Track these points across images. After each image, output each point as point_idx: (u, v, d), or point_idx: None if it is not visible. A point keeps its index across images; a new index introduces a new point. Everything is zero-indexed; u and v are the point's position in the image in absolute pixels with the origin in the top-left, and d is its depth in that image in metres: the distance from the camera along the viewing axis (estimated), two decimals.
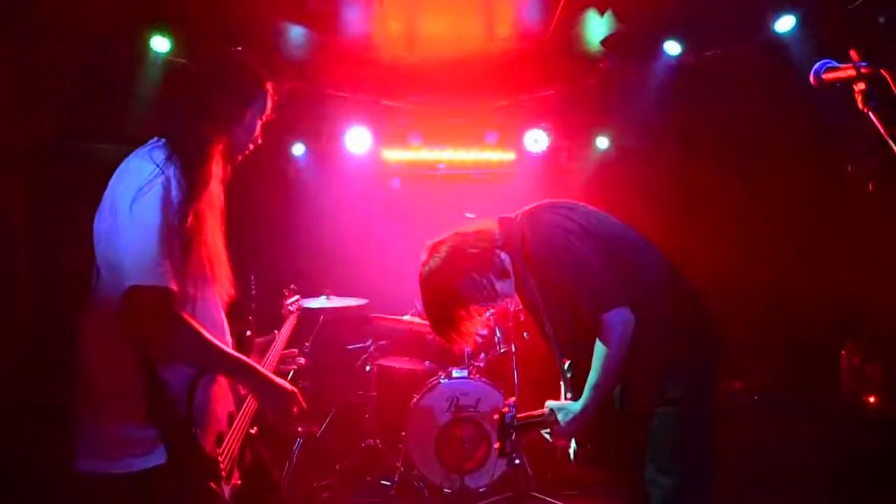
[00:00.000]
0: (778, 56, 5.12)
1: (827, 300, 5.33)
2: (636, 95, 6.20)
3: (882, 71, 1.66)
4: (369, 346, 5.82)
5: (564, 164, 7.67)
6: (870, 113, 1.67)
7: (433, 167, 7.61)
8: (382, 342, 6.04)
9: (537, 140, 7.23)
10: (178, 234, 2.13)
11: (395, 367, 5.80)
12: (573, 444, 2.80)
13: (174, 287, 2.05)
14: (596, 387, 2.56)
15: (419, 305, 5.64)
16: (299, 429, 5.67)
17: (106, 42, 5.01)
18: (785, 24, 5.09)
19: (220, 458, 2.26)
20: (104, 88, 4.98)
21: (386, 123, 7.24)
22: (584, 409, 2.59)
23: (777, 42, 5.16)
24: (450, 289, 2.80)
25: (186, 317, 2.11)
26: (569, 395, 2.79)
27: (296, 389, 2.42)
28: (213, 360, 2.21)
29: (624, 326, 2.50)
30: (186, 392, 2.17)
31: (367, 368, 5.77)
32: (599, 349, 2.53)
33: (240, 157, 2.50)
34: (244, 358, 2.30)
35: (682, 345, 2.59)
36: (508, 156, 7.53)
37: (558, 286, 2.63)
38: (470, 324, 2.86)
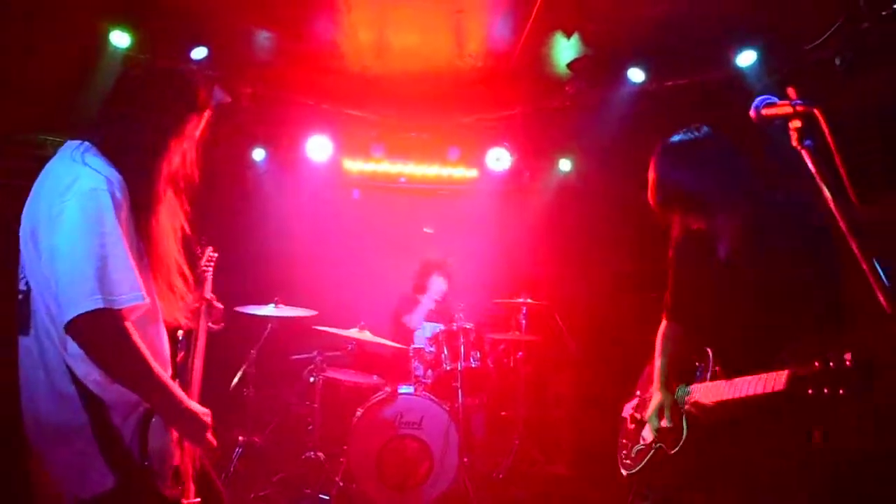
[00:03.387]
0: (738, 89, 5.18)
1: None
2: (599, 119, 6.23)
3: (815, 111, 1.65)
4: (315, 357, 5.72)
5: (526, 185, 7.67)
6: (802, 151, 1.66)
7: (394, 180, 7.58)
8: (329, 354, 5.95)
9: (499, 159, 7.23)
10: (128, 239, 2.08)
11: (340, 380, 5.72)
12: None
13: (118, 302, 1.98)
14: None
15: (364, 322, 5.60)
16: (240, 438, 5.57)
17: (66, 34, 4.90)
18: (746, 58, 5.16)
19: (181, 495, 2.27)
20: (56, 79, 4.86)
21: (348, 133, 7.19)
22: None
23: (738, 75, 5.22)
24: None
25: (129, 336, 2.02)
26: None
27: (209, 416, 2.31)
28: (143, 386, 2.10)
29: None
30: (138, 438, 2.12)
31: (312, 380, 5.68)
32: None
33: (181, 166, 2.40)
34: (173, 388, 2.18)
35: None
36: (470, 173, 7.52)
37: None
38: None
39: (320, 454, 5.53)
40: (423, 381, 5.50)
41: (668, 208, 2.64)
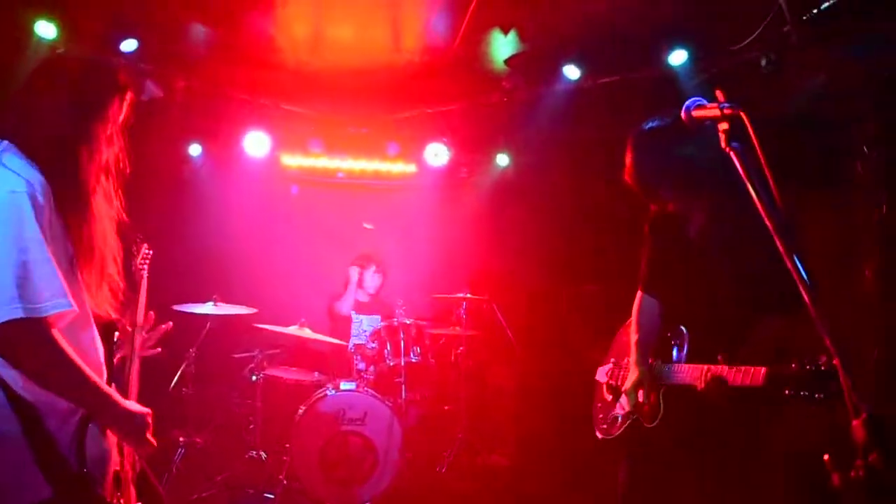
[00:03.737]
0: (670, 87, 5.30)
1: None
2: (536, 115, 6.30)
3: (741, 113, 1.73)
4: (256, 355, 5.68)
5: (464, 179, 7.73)
6: (731, 153, 1.73)
7: (332, 175, 7.53)
8: (270, 351, 5.92)
9: (437, 154, 7.25)
10: (54, 242, 2.00)
11: (281, 378, 5.69)
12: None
13: (41, 310, 1.89)
14: None
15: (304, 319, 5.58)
16: (181, 438, 5.50)
17: None
18: (678, 57, 5.28)
19: (122, 501, 2.23)
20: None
21: (286, 128, 7.12)
22: None
23: (670, 73, 5.34)
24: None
25: (56, 344, 1.94)
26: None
27: (149, 415, 2.26)
28: (76, 394, 2.04)
29: None
30: (76, 444, 2.05)
31: (254, 378, 5.64)
32: None
33: (111, 153, 2.30)
34: (108, 391, 2.13)
35: None
36: (409, 168, 7.53)
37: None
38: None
39: (263, 453, 5.51)
40: (366, 377, 5.51)
41: (645, 191, 2.79)
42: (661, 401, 2.78)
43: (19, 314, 1.85)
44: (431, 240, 7.46)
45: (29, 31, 4.87)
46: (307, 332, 5.53)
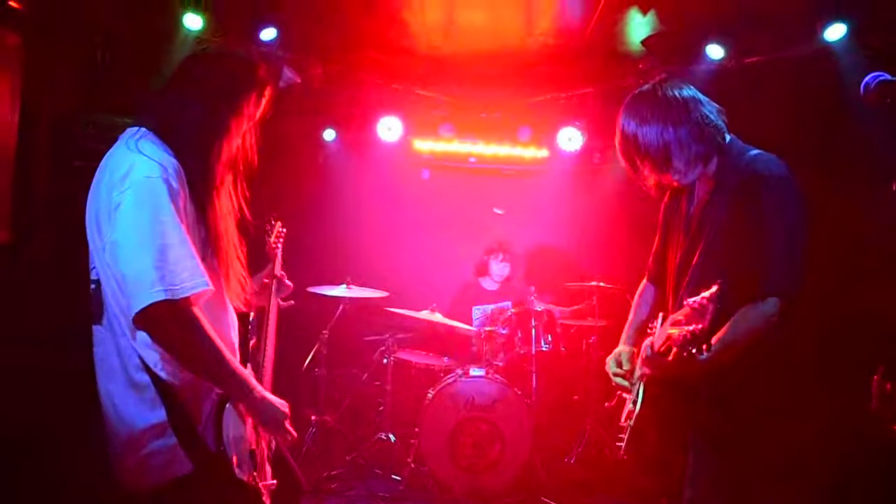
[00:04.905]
0: (826, 65, 4.94)
1: (861, 321, 5.16)
2: None
3: None
4: (387, 339, 5.75)
5: (598, 165, 7.52)
6: None
7: (464, 160, 7.50)
8: (401, 335, 5.97)
9: (571, 138, 7.08)
10: (188, 225, 2.06)
11: (412, 361, 5.74)
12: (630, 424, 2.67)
13: (181, 291, 1.95)
14: (727, 347, 2.30)
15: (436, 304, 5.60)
16: (312, 417, 5.64)
17: (137, 14, 4.95)
18: (835, 32, 4.89)
19: (259, 483, 2.28)
20: (132, 62, 4.92)
21: (418, 113, 7.14)
22: (710, 359, 2.28)
23: (826, 50, 4.97)
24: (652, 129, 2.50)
25: (198, 324, 2.00)
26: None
27: (286, 406, 2.30)
28: (216, 374, 2.10)
29: (771, 320, 2.31)
30: (213, 424, 2.13)
31: (385, 361, 5.71)
32: (750, 318, 2.32)
33: (241, 148, 2.35)
34: (245, 375, 2.18)
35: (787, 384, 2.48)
36: (541, 153, 7.39)
37: (753, 231, 2.39)
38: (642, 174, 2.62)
39: (391, 435, 5.58)
40: (496, 363, 5.46)
41: (656, 163, 2.52)
42: (641, 390, 2.66)
43: (162, 296, 1.91)
44: (563, 225, 7.33)
45: (177, 24, 5.06)
46: (438, 317, 5.55)
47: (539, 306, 5.48)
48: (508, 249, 6.36)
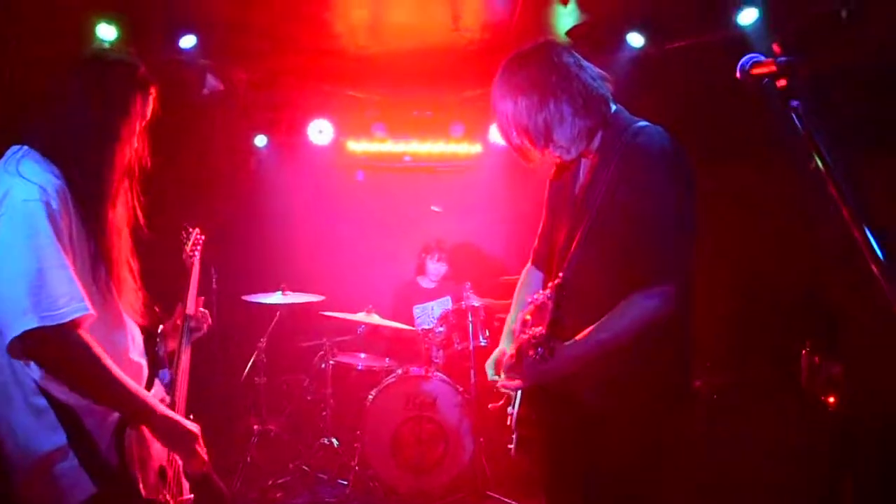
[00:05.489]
0: (741, 49, 5.02)
1: (789, 297, 5.27)
2: None
3: (798, 66, 1.56)
4: (325, 343, 5.70)
5: None
6: (790, 112, 1.57)
7: (398, 159, 7.48)
8: (339, 338, 5.93)
9: None
10: (72, 245, 2.00)
11: (351, 364, 5.69)
12: (514, 415, 2.55)
13: (58, 317, 1.88)
14: (600, 341, 2.16)
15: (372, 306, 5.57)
16: (255, 426, 5.57)
17: (47, 25, 4.82)
18: (748, 16, 4.99)
19: (167, 497, 2.23)
20: (42, 76, 4.79)
21: (349, 114, 7.11)
22: (575, 349, 2.17)
23: (740, 34, 5.06)
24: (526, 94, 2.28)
25: (82, 348, 1.94)
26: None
27: (197, 429, 2.25)
28: (110, 398, 2.04)
29: (662, 311, 2.15)
30: (115, 443, 2.07)
31: (324, 365, 5.66)
32: (630, 308, 2.16)
33: (133, 152, 2.30)
34: (144, 396, 2.12)
35: (679, 366, 2.36)
36: (474, 148, 7.41)
37: (634, 212, 2.20)
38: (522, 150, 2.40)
39: (335, 440, 5.54)
40: (436, 361, 5.46)
41: (537, 139, 2.31)
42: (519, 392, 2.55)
43: (35, 324, 1.84)
44: (500, 220, 7.34)
45: (90, 35, 4.95)
46: (375, 318, 5.52)
47: (476, 301, 5.48)
48: (444, 248, 6.35)
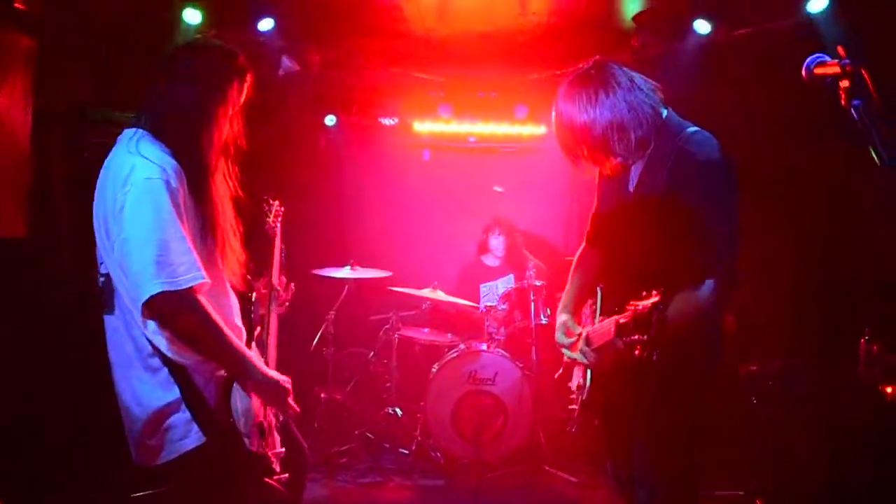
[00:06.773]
0: (809, 36, 5.01)
1: (849, 286, 5.28)
2: (666, 72, 6.11)
3: (862, 70, 1.67)
4: (391, 317, 5.91)
5: None
6: (851, 110, 1.68)
7: (463, 140, 7.62)
8: (405, 313, 6.13)
9: None
10: (187, 220, 2.23)
11: (416, 338, 5.90)
12: (588, 382, 2.81)
13: (179, 283, 2.13)
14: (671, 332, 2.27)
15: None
16: (322, 395, 5.81)
17: (139, 10, 5.08)
18: (817, 3, 4.97)
19: (268, 451, 2.47)
20: (135, 57, 5.05)
21: (417, 95, 7.26)
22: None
23: (809, 22, 5.04)
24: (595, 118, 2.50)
25: (202, 311, 2.18)
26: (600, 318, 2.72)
27: (290, 383, 2.50)
28: (221, 356, 2.29)
29: (711, 300, 2.41)
30: (222, 399, 2.31)
31: (390, 338, 5.87)
32: (690, 302, 2.40)
33: (230, 133, 2.52)
34: (249, 355, 2.37)
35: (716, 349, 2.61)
36: (538, 130, 7.50)
37: (691, 216, 2.43)
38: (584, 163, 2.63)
39: (398, 410, 5.75)
40: (497, 338, 5.62)
41: (603, 147, 2.52)
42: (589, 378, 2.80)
43: (160, 289, 2.10)
44: (562, 201, 7.44)
45: (178, 19, 5.20)
46: (440, 295, 5.70)
47: (538, 281, 5.61)
48: (504, 224, 6.48)
